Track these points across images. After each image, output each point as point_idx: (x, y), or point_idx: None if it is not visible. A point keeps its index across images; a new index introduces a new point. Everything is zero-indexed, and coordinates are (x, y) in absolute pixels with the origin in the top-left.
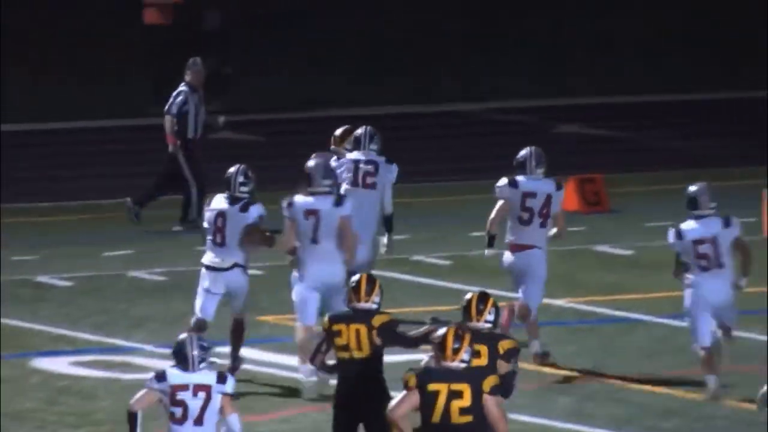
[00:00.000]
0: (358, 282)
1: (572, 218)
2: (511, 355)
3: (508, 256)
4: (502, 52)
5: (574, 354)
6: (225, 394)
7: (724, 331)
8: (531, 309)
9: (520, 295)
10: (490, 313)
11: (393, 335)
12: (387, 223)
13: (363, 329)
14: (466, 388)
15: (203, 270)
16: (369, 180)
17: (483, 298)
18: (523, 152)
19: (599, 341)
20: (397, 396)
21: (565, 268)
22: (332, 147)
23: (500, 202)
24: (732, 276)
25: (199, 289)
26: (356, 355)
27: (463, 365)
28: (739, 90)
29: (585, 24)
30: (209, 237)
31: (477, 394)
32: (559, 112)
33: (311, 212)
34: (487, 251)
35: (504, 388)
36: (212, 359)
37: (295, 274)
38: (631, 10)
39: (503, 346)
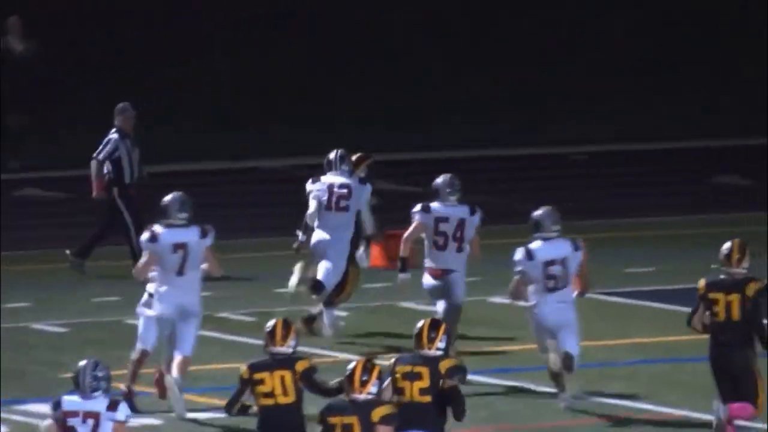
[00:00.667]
0: (274, 326)
1: (377, 274)
2: (454, 372)
3: (427, 279)
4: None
5: None
6: (117, 422)
7: (564, 357)
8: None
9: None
10: (441, 340)
11: (315, 381)
12: (364, 240)
13: (288, 375)
14: (355, 421)
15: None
16: (342, 203)
17: (434, 325)
18: (438, 180)
19: None
20: None
21: (370, 324)
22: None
23: (414, 224)
24: (572, 297)
25: (147, 318)
26: (281, 401)
27: (371, 397)
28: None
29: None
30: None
31: (366, 426)
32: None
33: (180, 246)
34: (401, 275)
35: (456, 407)
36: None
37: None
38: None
39: (444, 365)
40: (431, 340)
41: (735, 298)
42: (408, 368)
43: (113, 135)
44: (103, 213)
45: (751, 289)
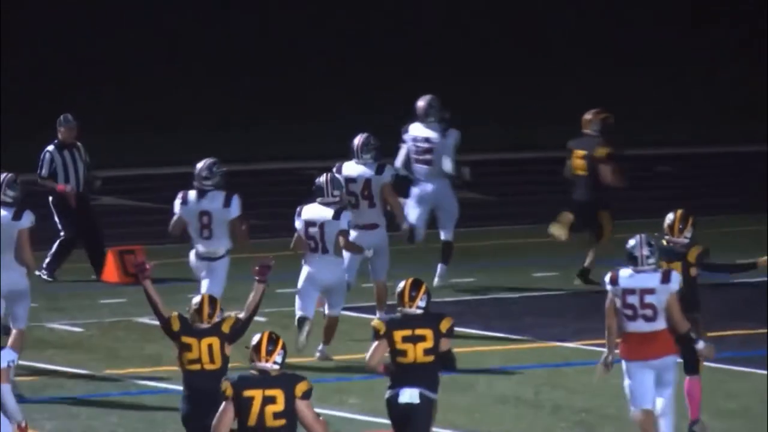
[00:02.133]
0: (201, 304)
1: (113, 290)
2: (452, 331)
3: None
4: None
5: (116, 425)
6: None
7: (329, 319)
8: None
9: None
10: (422, 299)
11: (237, 329)
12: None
13: (216, 342)
14: (279, 394)
15: (195, 261)
16: (425, 157)
17: (416, 284)
18: (355, 140)
19: (140, 414)
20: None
21: (107, 340)
22: (583, 130)
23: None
24: (342, 261)
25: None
26: (208, 367)
27: (276, 367)
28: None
29: None
30: (197, 232)
31: (290, 399)
32: None
33: None
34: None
35: (449, 362)
36: None
37: None
38: None
39: (444, 325)
40: (412, 299)
41: (677, 266)
42: (408, 332)
43: (49, 148)
44: (79, 222)
45: (692, 254)
